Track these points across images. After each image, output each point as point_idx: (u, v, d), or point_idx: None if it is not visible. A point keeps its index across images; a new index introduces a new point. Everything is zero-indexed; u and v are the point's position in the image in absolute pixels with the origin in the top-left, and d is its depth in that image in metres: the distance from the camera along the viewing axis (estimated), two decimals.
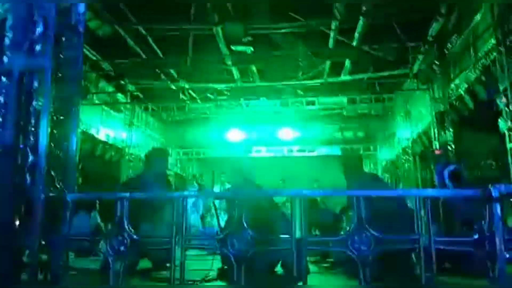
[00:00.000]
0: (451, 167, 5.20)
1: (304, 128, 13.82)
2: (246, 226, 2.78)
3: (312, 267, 4.75)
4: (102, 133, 10.32)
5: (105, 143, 10.43)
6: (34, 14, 2.84)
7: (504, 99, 6.04)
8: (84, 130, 9.33)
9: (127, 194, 2.86)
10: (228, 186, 8.62)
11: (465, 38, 7.54)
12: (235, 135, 13.81)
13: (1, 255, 2.63)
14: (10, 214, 2.68)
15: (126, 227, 2.81)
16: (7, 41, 2.85)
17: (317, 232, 6.98)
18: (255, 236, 2.78)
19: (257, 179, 5.34)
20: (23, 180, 2.71)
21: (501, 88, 6.11)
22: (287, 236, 2.83)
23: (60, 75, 2.98)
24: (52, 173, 2.88)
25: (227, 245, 2.76)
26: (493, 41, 6.38)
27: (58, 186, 2.91)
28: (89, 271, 3.72)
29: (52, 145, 2.87)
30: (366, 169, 14.72)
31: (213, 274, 4.42)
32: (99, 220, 8.19)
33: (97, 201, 8.77)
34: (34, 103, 2.79)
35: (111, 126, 10.78)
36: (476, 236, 2.62)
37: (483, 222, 2.61)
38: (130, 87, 11.04)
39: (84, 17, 3.20)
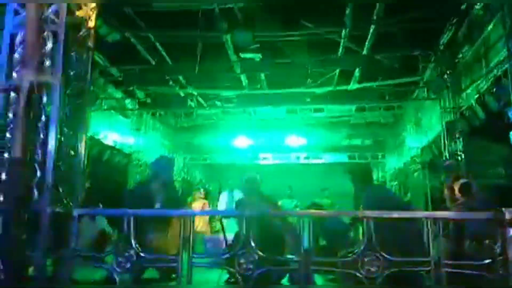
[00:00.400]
0: (462, 181, 5.15)
1: (311, 135, 13.76)
2: (253, 246, 2.75)
3: (318, 279, 4.70)
4: (110, 138, 10.34)
5: (112, 148, 10.45)
6: (44, 30, 2.84)
7: None
8: (92, 135, 9.33)
9: (134, 211, 2.84)
10: (235, 193, 8.58)
11: (477, 48, 7.47)
12: (242, 141, 13.80)
13: (8, 269, 2.61)
14: (17, 229, 2.67)
15: (133, 243, 2.79)
16: (16, 56, 2.85)
17: (324, 243, 6.89)
18: (262, 255, 2.75)
19: (263, 186, 5.32)
20: (30, 195, 2.70)
21: None
22: (293, 256, 2.80)
23: (69, 90, 2.98)
24: (59, 188, 2.87)
25: (234, 264, 2.74)
26: (505, 52, 6.31)
27: (65, 200, 2.89)
28: (93, 282, 3.70)
29: (60, 160, 2.86)
30: (375, 176, 14.68)
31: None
32: (104, 225, 8.11)
33: (101, 205, 8.77)
34: (42, 118, 2.78)
35: (119, 131, 10.80)
36: (488, 260, 2.57)
37: (495, 245, 2.55)
38: (138, 93, 11.05)
39: (94, 32, 3.19)
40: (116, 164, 10.68)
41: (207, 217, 10.07)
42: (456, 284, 3.51)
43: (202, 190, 10.46)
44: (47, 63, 2.84)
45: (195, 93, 11.25)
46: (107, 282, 3.42)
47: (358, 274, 2.60)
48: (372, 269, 2.60)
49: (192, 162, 15.47)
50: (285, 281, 4.60)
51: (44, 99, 2.81)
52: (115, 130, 10.62)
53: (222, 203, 9.90)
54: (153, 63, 9.51)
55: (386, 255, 2.62)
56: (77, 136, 3.06)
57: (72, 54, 3.02)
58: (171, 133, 14.34)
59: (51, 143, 2.77)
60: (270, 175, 9.47)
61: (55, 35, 2.87)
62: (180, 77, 10.46)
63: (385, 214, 2.88)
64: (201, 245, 8.77)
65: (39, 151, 2.75)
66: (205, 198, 10.71)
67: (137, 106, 11.39)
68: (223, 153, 14.73)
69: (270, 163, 14.60)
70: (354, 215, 3.57)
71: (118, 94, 10.78)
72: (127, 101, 11.11)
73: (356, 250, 2.65)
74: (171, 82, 10.63)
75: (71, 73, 3.02)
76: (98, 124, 9.70)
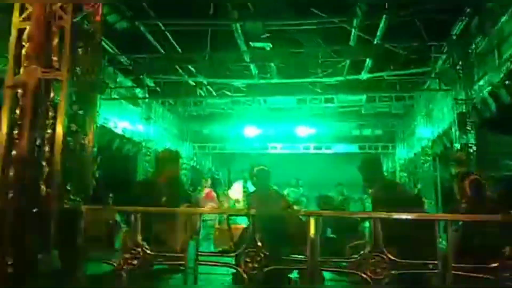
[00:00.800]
0: (472, 177, 5.08)
1: (321, 125, 13.70)
2: (259, 244, 2.75)
3: (327, 273, 4.69)
4: (120, 127, 10.37)
5: (122, 136, 10.48)
6: (51, 26, 2.83)
7: None
8: (102, 123, 9.36)
9: (142, 209, 2.86)
10: (248, 185, 8.60)
11: (490, 40, 7.35)
12: (251, 131, 13.79)
13: (17, 265, 2.64)
14: (26, 225, 2.69)
15: (140, 240, 2.81)
16: (24, 52, 2.85)
17: (333, 235, 6.89)
18: (268, 254, 2.76)
19: (272, 177, 5.33)
20: (38, 191, 2.71)
21: None
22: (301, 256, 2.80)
23: (77, 86, 2.98)
24: (68, 184, 2.88)
25: (240, 263, 2.75)
26: None
27: (73, 197, 2.91)
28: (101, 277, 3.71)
29: (68, 156, 2.86)
30: (385, 167, 14.63)
31: (228, 279, 4.39)
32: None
33: (110, 195, 8.84)
34: (50, 114, 2.79)
35: (128, 119, 10.83)
36: (496, 264, 2.54)
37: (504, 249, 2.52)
38: (148, 81, 11.04)
39: (101, 26, 3.18)
40: (125, 153, 10.73)
41: (214, 205, 10.12)
42: (463, 282, 3.49)
43: (208, 179, 10.51)
44: (55, 58, 2.83)
45: (205, 82, 11.21)
46: (114, 277, 3.46)
47: (363, 275, 2.60)
48: (378, 270, 2.59)
49: (202, 151, 15.52)
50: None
51: (52, 95, 2.81)
52: (124, 119, 10.65)
53: (236, 193, 9.93)
54: (163, 51, 9.48)
55: (392, 257, 2.60)
56: (85, 132, 3.07)
57: (80, 49, 3.01)
58: (181, 122, 14.38)
59: (59, 140, 2.78)
60: (279, 165, 9.48)
61: (62, 30, 2.86)
62: (190, 66, 10.41)
63: (394, 215, 2.85)
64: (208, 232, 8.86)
65: (47, 148, 2.76)
66: (212, 186, 10.76)
67: (146, 95, 11.40)
68: (232, 142, 14.77)
69: (279, 153, 14.59)
70: (364, 215, 3.52)
71: (128, 83, 10.78)
72: (137, 90, 11.11)
73: (362, 252, 2.64)
74: (180, 71, 10.60)
75: (79, 68, 3.01)
76: (108, 113, 9.72)
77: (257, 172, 5.34)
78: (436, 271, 2.55)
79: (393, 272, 2.59)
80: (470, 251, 4.55)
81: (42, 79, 2.77)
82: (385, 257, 2.60)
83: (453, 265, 2.54)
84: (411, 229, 4.18)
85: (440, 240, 3.01)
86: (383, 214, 2.91)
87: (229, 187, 12.73)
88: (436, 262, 2.58)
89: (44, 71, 2.75)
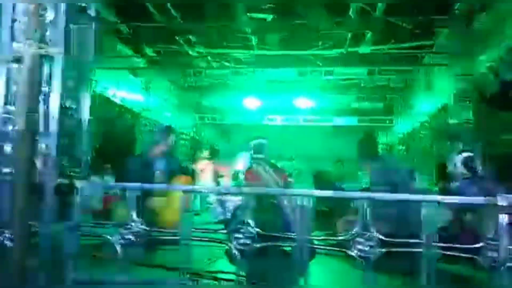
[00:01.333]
0: (465, 155, 5.13)
1: (321, 98, 13.69)
2: (251, 223, 2.82)
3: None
4: (118, 96, 10.35)
5: (121, 106, 10.48)
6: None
7: None
8: (100, 93, 9.34)
9: (138, 185, 2.91)
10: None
11: (493, 15, 7.27)
12: (251, 102, 13.81)
13: (16, 238, 2.70)
14: (21, 200, 2.75)
15: (135, 216, 2.88)
16: (18, 27, 2.84)
17: (326, 208, 6.99)
18: (260, 232, 2.83)
19: (271, 149, 5.39)
20: (34, 167, 2.76)
21: None
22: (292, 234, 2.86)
23: (71, 61, 2.98)
24: (64, 159, 2.93)
25: (232, 240, 2.82)
26: None
27: (69, 172, 2.96)
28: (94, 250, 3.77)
29: (64, 131, 2.90)
30: (383, 140, 14.69)
31: (220, 253, 4.46)
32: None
33: (109, 165, 8.91)
34: (45, 90, 2.80)
35: (127, 89, 10.79)
36: (479, 244, 2.61)
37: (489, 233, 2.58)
38: (148, 51, 10.95)
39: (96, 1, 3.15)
40: (124, 123, 10.75)
41: (209, 178, 10.20)
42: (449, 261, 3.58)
43: (205, 150, 10.56)
44: (49, 34, 2.83)
45: (205, 53, 11.12)
46: (107, 250, 3.53)
47: (351, 253, 2.67)
48: (366, 248, 2.67)
49: (201, 122, 15.55)
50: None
51: (46, 70, 2.81)
52: (123, 88, 10.61)
53: (240, 163, 9.97)
54: (162, 21, 9.35)
55: (381, 236, 2.67)
56: (80, 107, 3.09)
57: (75, 24, 3.00)
58: (181, 92, 14.33)
59: (54, 115, 2.80)
60: (278, 137, 9.52)
61: (56, 5, 2.84)
62: (190, 36, 10.31)
63: (385, 196, 2.90)
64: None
65: (42, 123, 2.79)
66: (211, 158, 10.83)
67: (146, 65, 11.32)
68: (232, 113, 14.79)
69: (278, 125, 14.65)
70: (358, 196, 3.55)
71: (127, 52, 10.69)
72: (136, 59, 11.03)
73: (350, 232, 2.71)
74: (181, 41, 10.49)
75: (74, 43, 3.01)
76: (107, 82, 9.68)
77: (254, 145, 5.38)
78: (422, 249, 2.62)
79: (382, 250, 2.66)
80: (460, 230, 4.67)
81: (36, 55, 2.77)
82: (374, 235, 2.67)
83: (439, 244, 2.61)
84: (401, 206, 4.27)
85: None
86: (368, 195, 2.96)
87: (227, 159, 12.81)
88: (423, 241, 2.65)
89: (38, 46, 2.75)
